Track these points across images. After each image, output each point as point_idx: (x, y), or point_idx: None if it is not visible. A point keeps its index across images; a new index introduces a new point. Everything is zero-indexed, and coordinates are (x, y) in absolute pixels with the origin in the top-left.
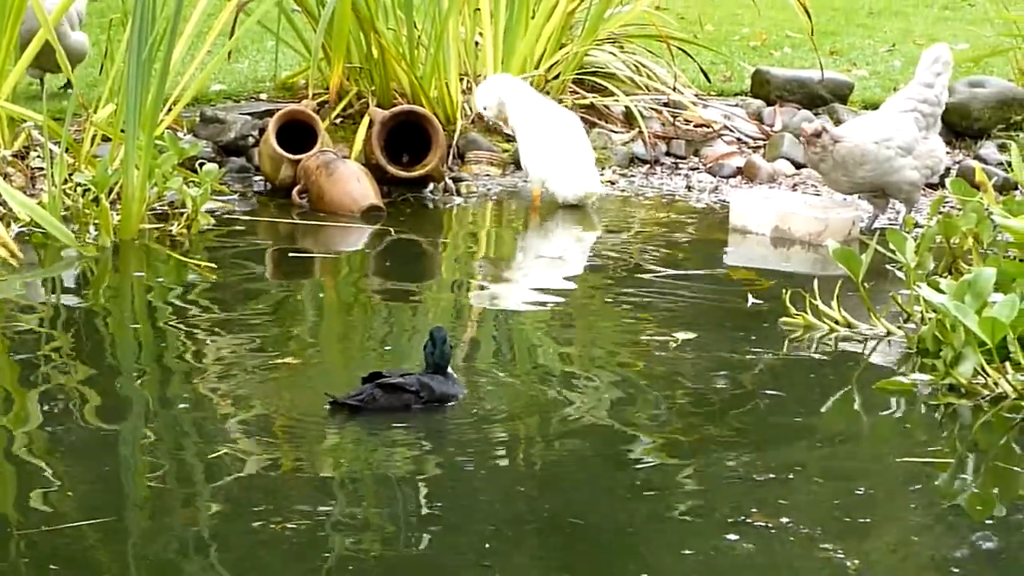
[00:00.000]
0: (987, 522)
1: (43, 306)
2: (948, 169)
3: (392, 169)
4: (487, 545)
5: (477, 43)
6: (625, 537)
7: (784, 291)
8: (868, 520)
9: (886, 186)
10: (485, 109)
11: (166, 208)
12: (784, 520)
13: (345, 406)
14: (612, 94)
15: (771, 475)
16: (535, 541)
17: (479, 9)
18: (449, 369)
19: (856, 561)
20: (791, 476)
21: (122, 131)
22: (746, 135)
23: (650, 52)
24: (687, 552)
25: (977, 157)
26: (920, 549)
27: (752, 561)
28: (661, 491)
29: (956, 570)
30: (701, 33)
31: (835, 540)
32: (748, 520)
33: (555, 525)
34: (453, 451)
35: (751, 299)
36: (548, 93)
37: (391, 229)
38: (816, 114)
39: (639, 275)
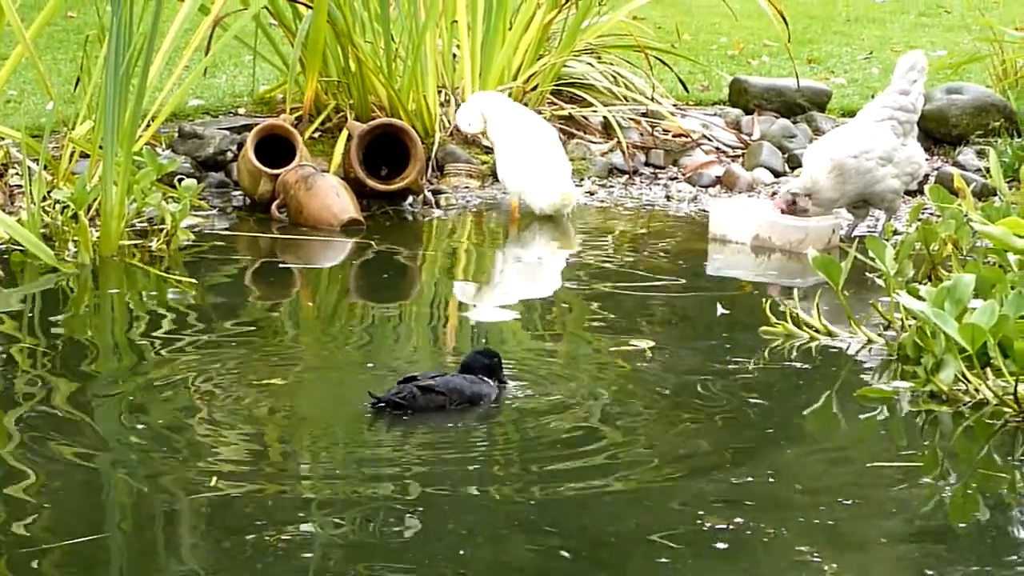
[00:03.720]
0: (966, 527)
1: (23, 324)
2: (927, 176)
3: (371, 182)
4: (461, 552)
5: (455, 55)
6: (601, 547)
7: (764, 300)
8: (848, 526)
9: (870, 196)
10: (469, 126)
11: (145, 224)
12: (762, 526)
13: (389, 403)
14: (590, 105)
15: (751, 479)
16: (508, 549)
17: (456, 21)
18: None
19: (834, 565)
20: (771, 482)
21: (100, 147)
22: (725, 144)
23: (628, 62)
24: (663, 560)
25: (956, 164)
26: (900, 555)
27: (730, 566)
28: (642, 496)
29: (931, 573)
30: (679, 43)
31: (814, 545)
32: (726, 526)
33: (529, 533)
34: (431, 463)
35: (720, 308)
36: (527, 105)
37: (372, 242)
38: (794, 122)
39: (619, 285)
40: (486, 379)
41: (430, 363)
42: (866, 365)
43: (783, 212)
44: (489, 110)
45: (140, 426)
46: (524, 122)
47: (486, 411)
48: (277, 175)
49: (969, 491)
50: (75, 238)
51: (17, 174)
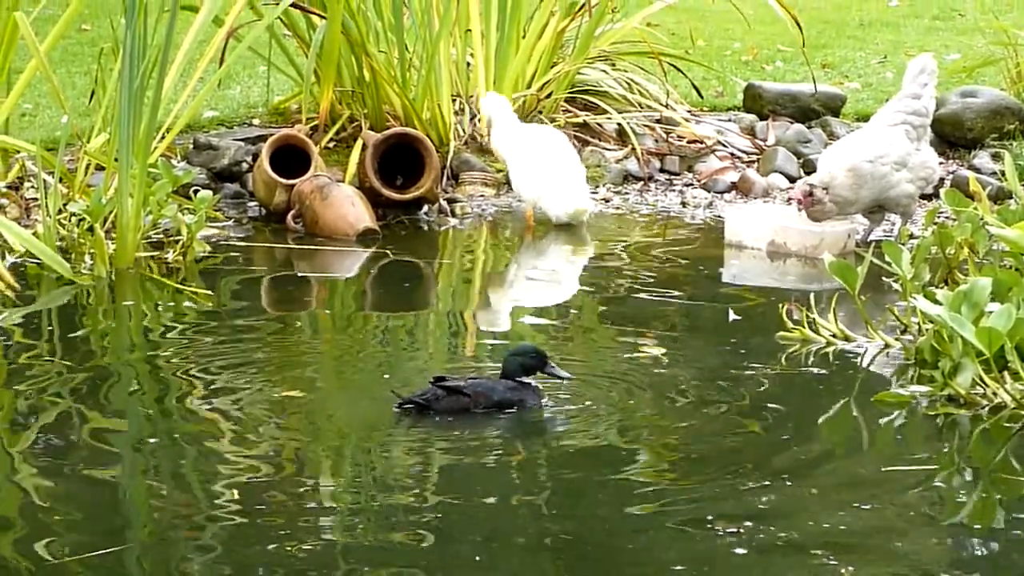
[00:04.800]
0: (984, 530)
1: (40, 337)
2: (942, 180)
3: (386, 192)
4: (477, 558)
5: (469, 64)
6: (617, 551)
7: (781, 305)
8: (865, 530)
9: (885, 202)
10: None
11: (161, 236)
12: (779, 530)
13: (412, 404)
14: (605, 112)
15: (767, 483)
16: (525, 556)
17: (470, 30)
18: (530, 379)
19: (851, 568)
20: (788, 485)
21: (116, 160)
22: (739, 150)
23: (642, 69)
24: (679, 568)
25: (971, 167)
26: (917, 558)
27: (746, 570)
28: (658, 503)
29: None
30: (692, 49)
31: (830, 549)
32: (743, 531)
33: (545, 540)
34: (449, 471)
35: (732, 315)
36: (541, 112)
37: (388, 251)
38: (809, 127)
39: (635, 292)
40: (530, 385)
41: (445, 372)
42: (883, 369)
43: (800, 203)
44: (495, 115)
45: (158, 439)
46: (533, 131)
47: (507, 417)
48: (292, 185)
49: (987, 494)
50: (91, 250)
51: (33, 187)
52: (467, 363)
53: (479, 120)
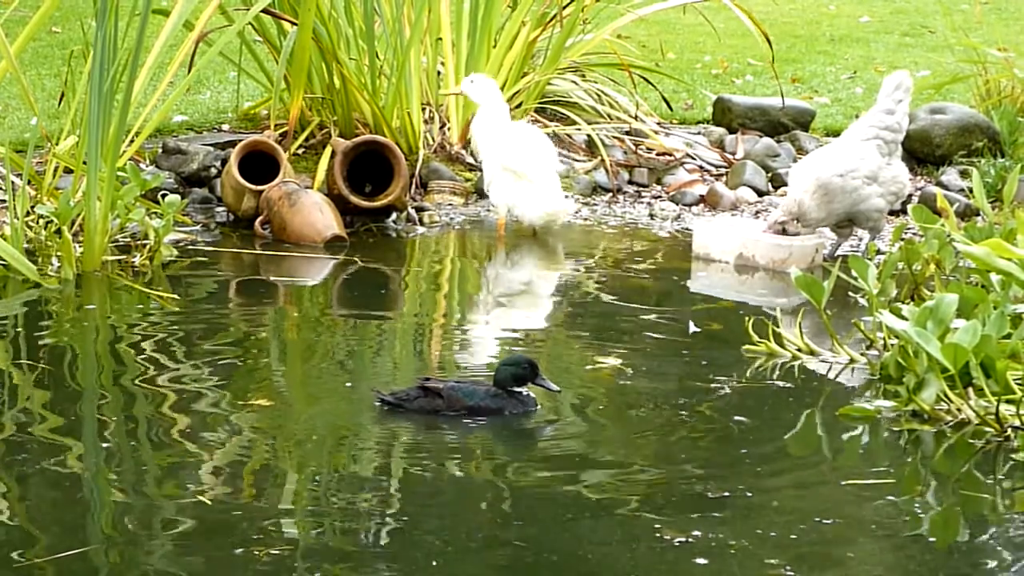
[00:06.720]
0: (946, 546)
1: (4, 340)
2: (910, 196)
3: (355, 199)
4: (434, 563)
5: (439, 73)
6: (578, 562)
7: (747, 318)
8: (825, 542)
9: (856, 216)
10: (472, 83)
11: (129, 240)
12: (741, 544)
13: (386, 402)
14: (574, 123)
15: (727, 495)
16: (481, 563)
17: (441, 39)
18: (523, 389)
19: None
20: (751, 497)
21: (84, 163)
22: (708, 163)
23: (612, 81)
24: None
25: (939, 183)
26: (876, 572)
27: None
28: (616, 513)
29: None
30: (663, 61)
31: (790, 561)
32: (703, 544)
33: (503, 548)
34: (411, 477)
35: (692, 327)
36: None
37: (357, 259)
38: (778, 141)
39: (602, 304)
40: (520, 394)
41: (409, 382)
42: (848, 384)
43: (776, 232)
44: (487, 106)
45: (122, 441)
46: (519, 129)
47: (475, 424)
48: (261, 191)
49: (950, 510)
50: (58, 253)
51: (1, 189)
52: (426, 370)
53: (449, 129)
